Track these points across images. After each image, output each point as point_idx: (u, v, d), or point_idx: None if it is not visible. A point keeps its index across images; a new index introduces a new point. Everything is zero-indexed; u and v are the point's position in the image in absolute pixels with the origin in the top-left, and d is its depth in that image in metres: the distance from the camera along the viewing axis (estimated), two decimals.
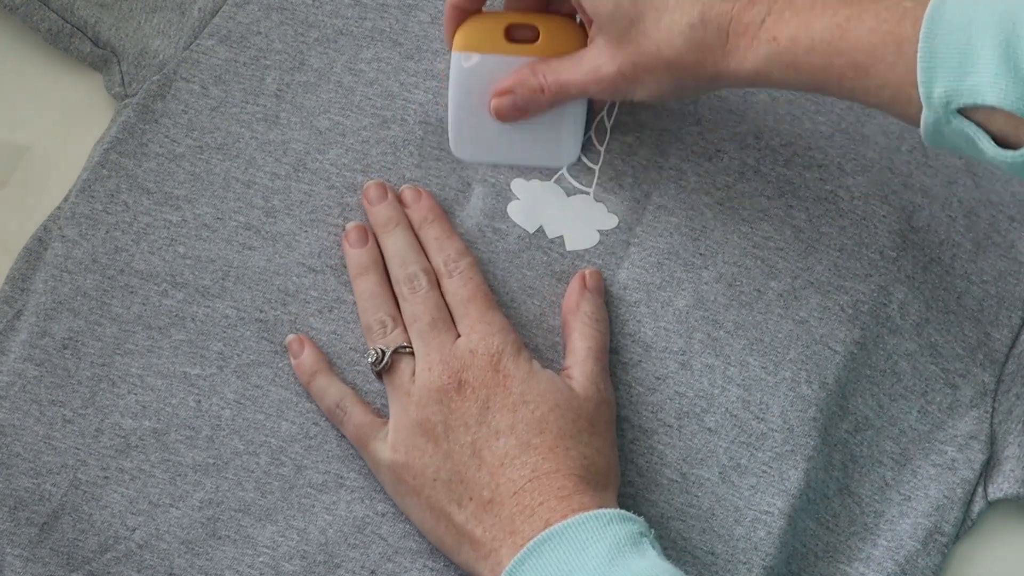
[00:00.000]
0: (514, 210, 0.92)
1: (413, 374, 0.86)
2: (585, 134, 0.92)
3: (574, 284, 0.90)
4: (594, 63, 0.85)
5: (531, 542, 0.79)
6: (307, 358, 0.88)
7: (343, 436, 0.88)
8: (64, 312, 0.90)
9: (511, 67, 0.89)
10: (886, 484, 0.90)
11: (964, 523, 0.90)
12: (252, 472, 0.88)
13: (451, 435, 0.84)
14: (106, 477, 0.88)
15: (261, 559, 0.87)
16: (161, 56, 0.94)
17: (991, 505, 0.91)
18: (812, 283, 0.91)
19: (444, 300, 0.88)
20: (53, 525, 0.87)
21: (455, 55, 0.89)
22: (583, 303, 0.89)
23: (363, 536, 0.87)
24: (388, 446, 0.85)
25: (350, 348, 0.89)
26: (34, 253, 0.92)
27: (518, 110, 0.89)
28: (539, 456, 0.82)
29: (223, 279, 0.90)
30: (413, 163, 0.92)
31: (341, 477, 0.88)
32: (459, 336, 0.86)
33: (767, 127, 0.93)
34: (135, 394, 0.89)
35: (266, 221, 0.91)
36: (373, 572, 0.87)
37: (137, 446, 0.88)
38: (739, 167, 0.92)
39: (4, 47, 0.97)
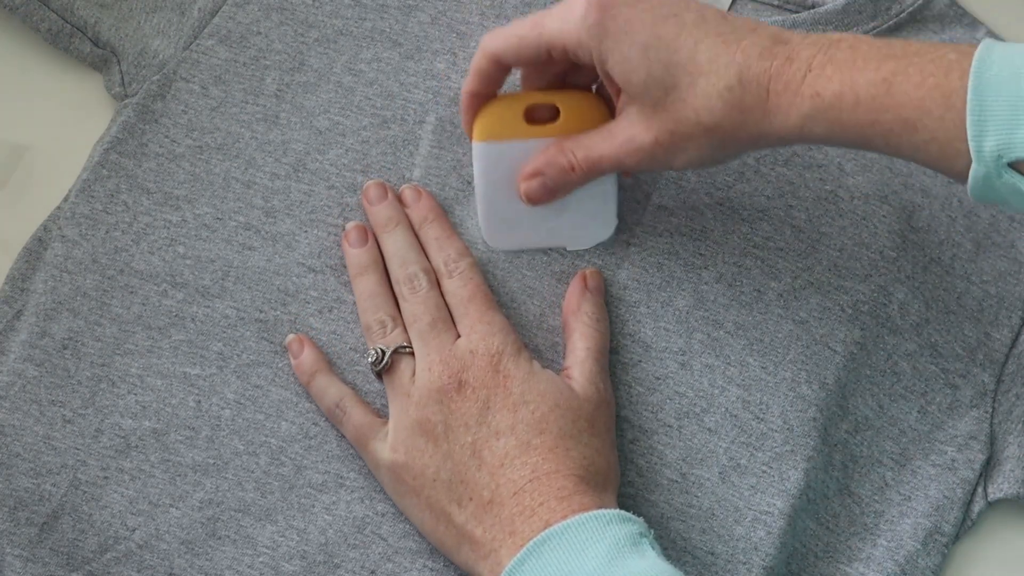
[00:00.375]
0: None
1: (413, 374, 0.86)
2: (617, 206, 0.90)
3: (575, 284, 0.89)
4: (628, 134, 0.82)
5: (531, 542, 0.79)
6: (307, 358, 0.88)
7: (343, 436, 0.88)
8: (64, 312, 0.90)
9: (535, 150, 0.86)
10: (886, 484, 0.90)
11: (964, 523, 0.90)
12: (252, 472, 0.88)
13: (451, 435, 0.84)
14: (106, 477, 0.88)
15: (261, 559, 0.87)
16: (161, 56, 0.94)
17: (991, 505, 0.91)
18: (812, 283, 0.91)
19: (444, 300, 0.88)
20: (53, 525, 0.87)
21: (476, 145, 0.87)
22: (584, 303, 0.89)
23: (363, 536, 0.87)
24: (388, 446, 0.85)
25: (350, 348, 0.89)
26: (34, 253, 0.92)
27: (549, 191, 0.86)
28: (539, 456, 0.82)
29: (223, 279, 0.90)
30: (413, 163, 0.92)
31: (341, 477, 0.88)
32: (459, 336, 0.86)
33: None
34: (135, 394, 0.89)
35: (266, 221, 0.91)
36: (373, 572, 0.87)
37: (137, 446, 0.88)
38: (739, 167, 0.92)
39: (4, 47, 0.97)
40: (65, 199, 0.92)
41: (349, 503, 0.87)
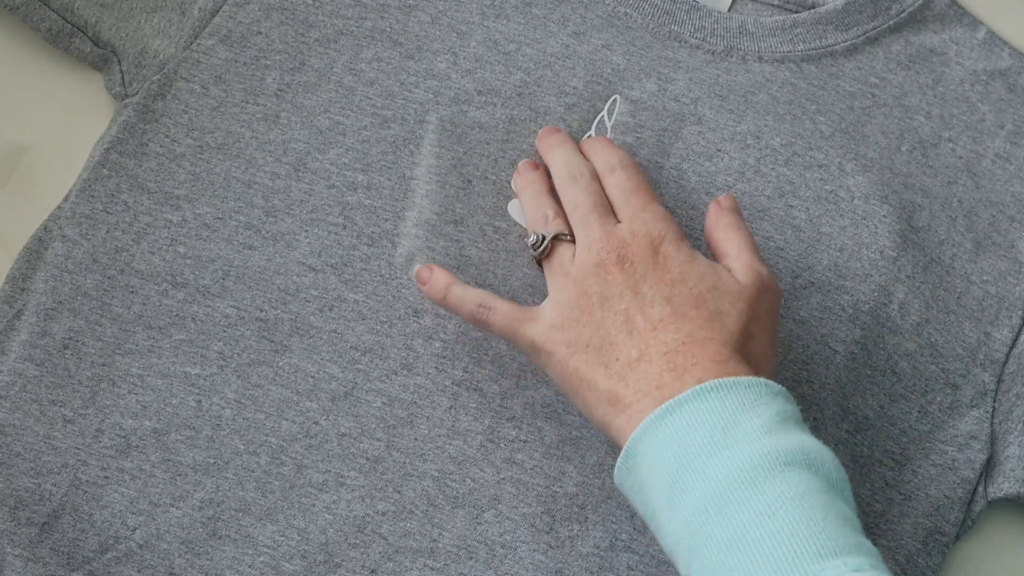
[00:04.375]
0: (514, 209, 0.92)
1: (573, 258, 0.85)
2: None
3: (711, 208, 0.87)
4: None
5: (692, 389, 0.76)
6: (437, 278, 0.87)
7: (343, 435, 0.88)
8: (64, 312, 0.90)
9: None
10: (886, 484, 0.90)
11: (964, 523, 0.90)
12: (252, 472, 0.88)
13: (605, 304, 0.82)
14: (106, 477, 0.88)
15: (261, 559, 0.87)
16: (161, 56, 0.94)
17: (991, 505, 0.91)
18: (812, 283, 0.91)
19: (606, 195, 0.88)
20: (53, 525, 0.87)
21: None
22: (721, 217, 0.87)
23: (363, 535, 0.87)
24: (543, 324, 0.84)
25: (351, 347, 0.89)
26: (34, 253, 0.92)
27: None
28: (694, 324, 0.80)
29: (223, 279, 0.90)
30: (414, 162, 0.92)
31: (341, 476, 0.88)
32: (619, 223, 0.86)
33: (767, 127, 0.93)
34: (135, 394, 0.89)
35: (266, 221, 0.91)
36: (373, 572, 0.87)
37: (137, 446, 0.88)
38: (739, 167, 0.92)
39: (4, 47, 0.97)
40: (65, 199, 0.92)
41: (350, 502, 0.87)
